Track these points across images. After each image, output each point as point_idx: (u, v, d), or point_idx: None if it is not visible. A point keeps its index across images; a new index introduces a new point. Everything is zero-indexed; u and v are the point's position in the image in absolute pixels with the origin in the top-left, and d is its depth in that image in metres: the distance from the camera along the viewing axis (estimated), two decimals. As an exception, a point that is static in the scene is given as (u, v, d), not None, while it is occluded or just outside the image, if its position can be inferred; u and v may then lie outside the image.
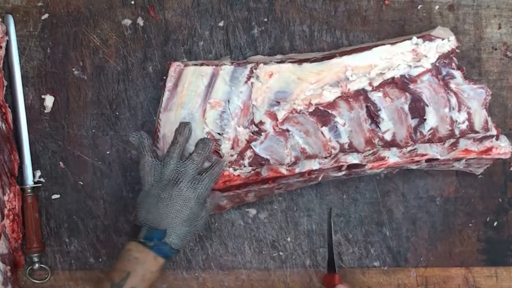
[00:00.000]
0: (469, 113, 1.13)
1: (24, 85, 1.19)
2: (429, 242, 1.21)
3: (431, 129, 1.13)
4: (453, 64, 1.13)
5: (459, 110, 1.13)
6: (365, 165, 1.09)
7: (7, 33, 1.18)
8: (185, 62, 1.13)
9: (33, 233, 1.17)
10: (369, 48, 1.12)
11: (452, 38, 1.13)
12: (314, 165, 1.09)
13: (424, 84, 1.13)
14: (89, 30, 1.20)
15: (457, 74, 1.13)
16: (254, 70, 1.12)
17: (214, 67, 1.12)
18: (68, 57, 1.20)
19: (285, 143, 1.13)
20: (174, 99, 1.11)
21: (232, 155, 1.12)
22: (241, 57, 1.19)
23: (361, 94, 1.13)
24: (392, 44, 1.12)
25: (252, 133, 1.13)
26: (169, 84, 1.11)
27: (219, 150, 1.12)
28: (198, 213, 1.04)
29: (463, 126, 1.13)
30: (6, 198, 1.14)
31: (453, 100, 1.13)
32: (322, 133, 1.13)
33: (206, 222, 1.06)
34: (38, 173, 1.19)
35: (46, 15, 1.20)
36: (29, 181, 1.18)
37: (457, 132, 1.13)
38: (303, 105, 1.13)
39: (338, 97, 1.13)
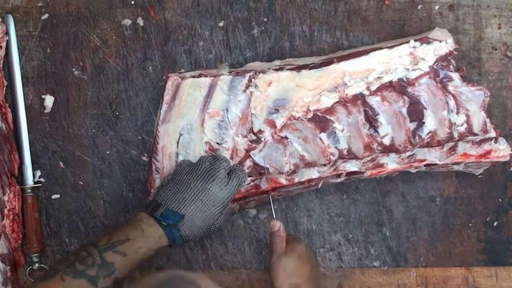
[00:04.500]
0: (467, 115, 1.13)
1: (24, 85, 1.19)
2: (429, 242, 1.21)
3: (429, 132, 1.12)
4: (451, 66, 1.13)
5: (458, 113, 1.13)
6: (364, 172, 1.09)
7: (7, 33, 1.18)
8: (183, 74, 1.12)
9: (33, 233, 1.17)
10: (366, 52, 1.12)
11: (450, 40, 1.12)
12: (313, 174, 1.09)
13: (422, 87, 1.13)
14: (89, 30, 1.20)
15: (455, 76, 1.13)
16: (252, 79, 1.12)
17: (212, 78, 1.11)
18: (68, 57, 1.20)
19: (283, 151, 1.13)
20: (172, 111, 1.11)
21: None
22: (241, 57, 1.19)
23: (359, 98, 1.13)
24: (389, 48, 1.12)
25: (251, 141, 1.12)
26: (166, 97, 1.11)
27: None
28: (218, 215, 1.04)
29: (462, 129, 1.13)
30: (6, 198, 1.14)
31: (452, 103, 1.13)
32: (320, 139, 1.13)
33: (218, 227, 1.06)
34: (38, 173, 1.19)
35: (46, 15, 1.20)
36: (29, 181, 1.18)
37: (456, 134, 1.13)
38: (302, 112, 1.12)
39: (336, 102, 1.13)
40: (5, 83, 1.18)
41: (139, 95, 1.20)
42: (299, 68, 1.12)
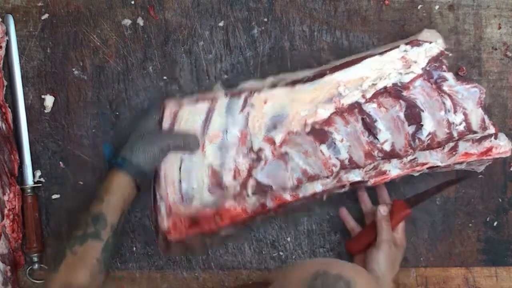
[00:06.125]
0: (465, 114, 1.13)
1: (24, 85, 1.19)
2: (429, 242, 1.21)
3: (429, 134, 1.12)
4: (444, 66, 1.13)
5: (455, 112, 1.13)
6: (367, 181, 1.09)
7: (7, 33, 1.18)
8: (180, 100, 1.12)
9: (33, 233, 1.17)
10: (358, 61, 1.12)
11: (440, 40, 1.12)
12: (317, 187, 1.09)
13: (417, 90, 1.13)
14: (89, 30, 1.20)
15: (449, 76, 1.13)
16: (248, 99, 1.12)
17: (209, 103, 1.11)
18: (68, 57, 1.20)
19: (285, 166, 1.12)
20: None
21: (235, 187, 1.12)
22: (241, 57, 1.19)
23: (355, 107, 1.13)
24: (381, 54, 1.12)
25: (252, 161, 1.12)
26: (165, 124, 1.11)
27: (221, 182, 1.11)
28: (156, 143, 1.09)
29: (461, 128, 1.13)
30: (6, 198, 1.14)
31: (448, 103, 1.13)
32: (321, 151, 1.12)
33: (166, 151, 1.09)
34: (38, 173, 1.19)
35: (46, 15, 1.20)
36: (29, 181, 1.18)
37: (455, 134, 1.12)
38: (300, 126, 1.12)
39: (333, 113, 1.12)
40: (5, 83, 1.18)
41: (139, 95, 1.20)
42: (293, 83, 1.12)
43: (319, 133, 1.13)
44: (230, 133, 1.12)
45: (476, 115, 1.13)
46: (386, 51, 1.12)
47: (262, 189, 1.12)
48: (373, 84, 1.12)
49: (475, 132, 1.12)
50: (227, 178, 1.11)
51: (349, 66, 1.12)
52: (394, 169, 1.09)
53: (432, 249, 1.21)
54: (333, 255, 1.20)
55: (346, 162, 1.12)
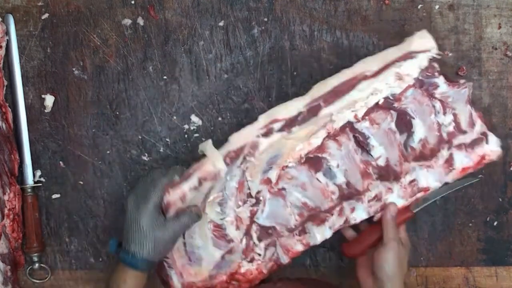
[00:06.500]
0: (454, 114, 1.11)
1: (24, 85, 1.19)
2: (429, 242, 1.21)
3: (420, 140, 1.11)
4: (436, 73, 1.10)
5: (444, 113, 1.11)
6: (373, 216, 1.09)
7: (7, 32, 1.18)
8: (181, 188, 1.07)
9: (33, 233, 1.17)
10: (352, 86, 1.08)
11: (434, 49, 1.09)
12: (326, 232, 1.09)
13: (408, 100, 1.10)
14: (89, 30, 1.20)
15: (440, 81, 1.10)
16: (247, 157, 1.08)
17: (212, 182, 1.08)
18: (68, 57, 1.20)
19: (284, 202, 1.10)
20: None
21: (240, 238, 1.10)
22: (241, 56, 1.19)
23: (346, 126, 1.10)
24: (375, 76, 1.08)
25: (252, 206, 1.10)
26: (171, 214, 1.07)
27: (225, 234, 1.10)
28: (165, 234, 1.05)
29: (450, 128, 1.10)
30: (6, 197, 1.14)
31: (438, 105, 1.11)
32: (317, 179, 1.10)
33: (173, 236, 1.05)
34: (38, 173, 1.19)
35: (46, 15, 1.20)
36: (29, 180, 1.18)
37: (445, 135, 1.11)
38: (295, 162, 1.10)
39: (325, 137, 1.10)
40: (5, 82, 1.18)
41: (139, 94, 1.20)
42: (288, 126, 1.08)
43: (314, 161, 1.10)
44: (229, 187, 1.10)
45: (465, 112, 1.11)
46: (380, 71, 1.09)
47: (266, 232, 1.10)
48: (365, 103, 1.10)
49: (464, 132, 1.11)
50: (230, 230, 1.10)
51: (342, 94, 1.08)
52: (398, 199, 1.09)
53: (432, 248, 1.21)
54: (333, 255, 1.20)
55: (344, 186, 1.10)
